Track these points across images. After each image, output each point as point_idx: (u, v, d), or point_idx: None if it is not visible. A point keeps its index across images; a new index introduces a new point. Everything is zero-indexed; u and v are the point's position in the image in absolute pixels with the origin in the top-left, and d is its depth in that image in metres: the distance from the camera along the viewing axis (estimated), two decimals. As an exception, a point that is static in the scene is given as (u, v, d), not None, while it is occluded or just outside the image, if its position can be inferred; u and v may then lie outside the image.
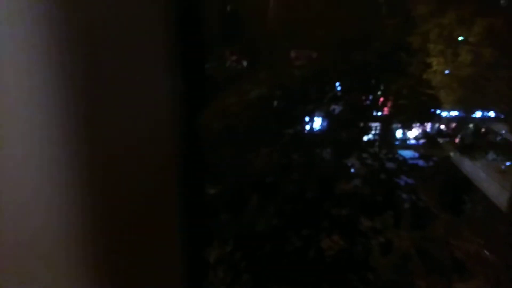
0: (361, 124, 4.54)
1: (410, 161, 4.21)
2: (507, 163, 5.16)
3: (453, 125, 5.50)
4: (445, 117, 5.58)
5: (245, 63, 5.60)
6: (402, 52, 4.28)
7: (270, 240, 4.13)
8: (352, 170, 4.47)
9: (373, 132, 4.71)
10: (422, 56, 4.89)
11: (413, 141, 4.78)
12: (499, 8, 6.19)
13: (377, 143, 4.56)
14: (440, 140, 4.39)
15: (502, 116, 5.58)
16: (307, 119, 4.78)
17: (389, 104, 4.81)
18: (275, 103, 4.98)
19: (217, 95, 4.91)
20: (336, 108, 4.55)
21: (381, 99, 4.66)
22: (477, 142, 4.84)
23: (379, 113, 4.74)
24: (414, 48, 4.81)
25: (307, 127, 4.92)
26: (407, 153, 4.58)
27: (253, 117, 4.79)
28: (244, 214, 3.97)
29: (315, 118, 4.80)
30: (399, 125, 4.84)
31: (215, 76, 5.21)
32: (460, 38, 5.76)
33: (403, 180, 4.25)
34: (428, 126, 5.19)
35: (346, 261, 4.05)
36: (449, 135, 4.66)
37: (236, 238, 3.98)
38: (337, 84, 4.58)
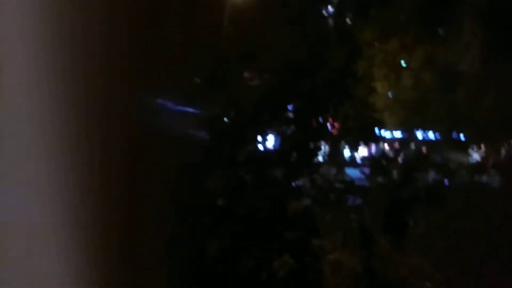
0: (311, 145, 4.67)
1: (357, 182, 4.38)
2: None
3: (397, 145, 5.83)
4: (389, 138, 5.90)
5: (198, 83, 5.59)
6: (348, 77, 4.50)
7: (222, 262, 4.10)
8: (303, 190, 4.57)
9: (322, 153, 4.86)
10: (367, 81, 5.16)
11: (359, 161, 5.00)
12: (438, 36, 6.69)
13: (326, 164, 4.71)
14: (384, 161, 4.64)
15: (441, 137, 5.99)
16: (259, 139, 4.85)
17: (337, 126, 5.00)
18: (228, 123, 5.01)
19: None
20: (288, 130, 4.66)
21: (330, 121, 4.84)
22: (419, 162, 5.15)
23: (328, 135, 4.92)
24: (360, 73, 5.07)
25: (260, 147, 4.98)
26: (354, 172, 4.77)
27: (204, 137, 4.78)
28: (195, 237, 3.92)
29: (268, 139, 4.88)
30: (346, 146, 5.05)
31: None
32: (403, 64, 6.15)
33: (351, 200, 4.40)
34: (373, 147, 5.45)
35: (298, 281, 4.11)
36: (391, 159, 4.93)
37: (187, 262, 3.91)
38: (289, 106, 4.70)
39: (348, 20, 6.02)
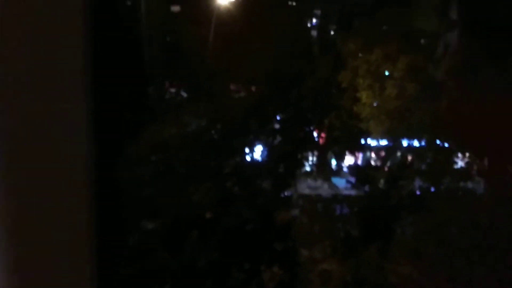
0: (299, 156, 4.71)
1: (344, 191, 4.42)
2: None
3: (382, 153, 5.90)
4: (375, 146, 5.97)
5: (185, 95, 5.62)
6: (333, 88, 4.57)
7: (211, 276, 4.08)
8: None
9: (309, 162, 4.90)
10: (352, 91, 5.24)
11: (346, 170, 5.06)
12: (420, 47, 6.82)
13: (313, 174, 4.74)
14: (369, 170, 4.70)
15: (426, 145, 6.08)
16: (246, 151, 4.87)
17: (323, 135, 5.05)
18: (215, 135, 5.02)
19: (156, 127, 4.86)
20: (274, 141, 4.69)
21: (316, 131, 4.89)
22: (404, 170, 5.21)
23: (315, 145, 4.96)
24: (345, 83, 5.16)
25: (247, 158, 5.00)
26: (341, 182, 4.81)
27: (192, 150, 4.78)
28: (183, 250, 3.90)
29: (255, 150, 4.90)
30: (333, 155, 5.10)
31: (154, 108, 5.16)
32: (386, 74, 6.25)
33: (339, 209, 4.43)
34: (360, 156, 5.51)
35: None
36: (376, 167, 4.99)
37: (176, 276, 3.88)
38: (275, 117, 4.75)
39: (331, 32, 6.12)
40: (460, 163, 6.13)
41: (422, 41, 6.79)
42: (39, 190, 0.93)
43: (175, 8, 6.29)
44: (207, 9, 5.95)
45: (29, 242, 0.94)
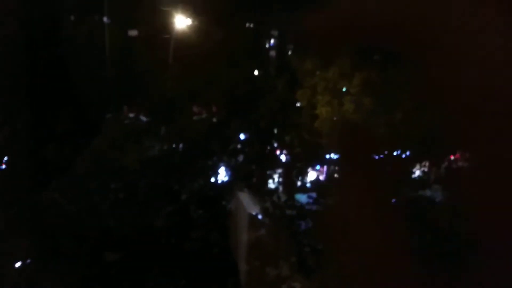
0: (262, 174, 4.75)
1: (307, 206, 4.47)
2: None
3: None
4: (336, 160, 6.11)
5: (144, 120, 5.57)
6: (292, 106, 4.68)
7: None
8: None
9: (273, 180, 4.94)
10: (310, 108, 5.38)
11: (309, 185, 5.14)
12: (373, 63, 7.12)
13: (277, 192, 4.78)
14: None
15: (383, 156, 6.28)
16: (209, 172, 4.86)
17: (285, 153, 5.13)
18: (177, 157, 4.99)
19: (115, 154, 4.78)
20: (237, 160, 4.71)
21: (278, 150, 4.96)
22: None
23: (277, 162, 5.02)
24: (304, 101, 5.29)
25: (211, 180, 4.98)
26: (303, 198, 4.86)
27: (154, 174, 4.73)
28: (147, 280, 3.80)
29: (218, 171, 4.90)
30: (296, 172, 5.18)
31: (112, 135, 5.08)
32: (344, 90, 6.48)
33: (302, 224, 4.47)
34: (323, 170, 5.63)
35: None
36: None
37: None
38: (237, 137, 4.78)
39: (289, 52, 6.29)
40: (418, 172, 6.38)
41: (376, 57, 7.10)
42: None
43: (132, 33, 6.29)
44: (164, 33, 5.99)
45: None
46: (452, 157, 5.97)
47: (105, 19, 6.07)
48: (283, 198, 4.59)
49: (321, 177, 5.37)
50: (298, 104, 5.22)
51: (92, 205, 4.04)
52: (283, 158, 5.39)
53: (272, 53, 6.38)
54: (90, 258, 3.92)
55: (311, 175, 5.30)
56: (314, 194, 4.59)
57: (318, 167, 5.51)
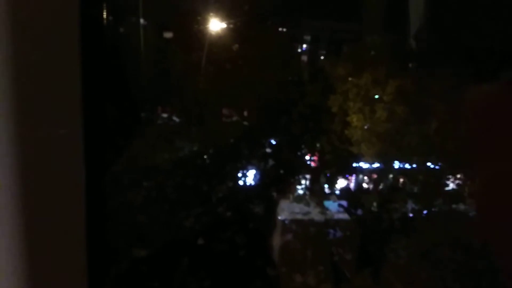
0: (291, 180, 4.73)
1: (337, 215, 4.41)
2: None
3: (374, 176, 5.95)
4: (367, 169, 6.03)
5: (177, 120, 5.66)
6: (323, 112, 4.64)
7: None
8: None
9: (302, 186, 4.91)
10: (342, 115, 5.33)
11: (338, 193, 5.08)
12: (408, 71, 6.98)
13: (306, 198, 4.75)
14: (361, 194, 4.73)
15: (417, 167, 6.15)
16: (238, 175, 4.88)
17: (315, 159, 5.09)
18: (207, 160, 5.04)
19: (148, 153, 4.87)
20: (266, 165, 4.71)
21: (308, 155, 4.93)
22: (396, 193, 5.24)
23: (307, 169, 4.99)
24: (335, 108, 5.24)
25: (240, 183, 5.00)
26: (333, 206, 4.81)
27: (184, 175, 4.79)
28: (174, 278, 3.84)
29: (247, 175, 4.91)
30: (325, 179, 5.13)
31: (146, 133, 5.18)
32: (376, 97, 6.37)
33: (331, 233, 4.41)
34: (352, 179, 5.55)
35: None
36: (369, 190, 5.03)
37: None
38: (267, 142, 4.79)
39: (321, 57, 6.25)
40: (451, 185, 6.17)
41: (411, 65, 6.95)
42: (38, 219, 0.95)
43: (168, 35, 6.40)
44: (199, 35, 6.07)
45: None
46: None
47: (141, 20, 6.21)
48: (312, 204, 4.55)
49: (351, 185, 5.30)
50: (329, 111, 5.18)
51: (124, 201, 4.13)
52: (312, 164, 5.35)
53: (305, 58, 6.36)
54: (119, 254, 4.00)
55: (341, 183, 5.24)
56: (344, 203, 4.53)
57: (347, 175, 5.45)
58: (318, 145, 4.94)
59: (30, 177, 0.91)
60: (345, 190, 5.18)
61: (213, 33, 6.07)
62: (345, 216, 4.45)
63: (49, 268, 0.98)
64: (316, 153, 5.03)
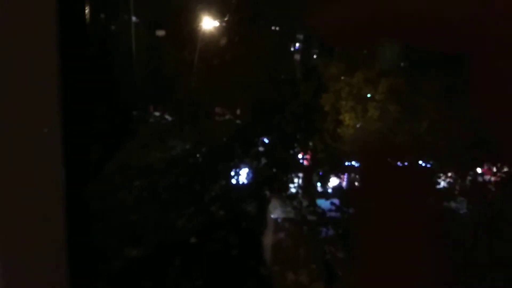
0: (283, 178, 4.73)
1: (329, 213, 4.43)
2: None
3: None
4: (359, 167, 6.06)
5: (169, 119, 5.64)
6: (315, 111, 4.66)
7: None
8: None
9: (294, 185, 4.92)
10: (334, 114, 5.36)
11: (330, 192, 5.10)
12: (400, 70, 7.02)
13: (299, 196, 4.76)
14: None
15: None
16: (231, 174, 4.88)
17: (308, 158, 5.11)
18: (199, 158, 5.03)
19: (140, 152, 4.85)
20: (259, 164, 4.71)
21: (301, 154, 4.94)
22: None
23: (299, 167, 5.01)
24: (327, 107, 5.27)
25: (232, 182, 5.00)
26: (326, 204, 4.83)
27: (177, 174, 4.77)
28: (167, 277, 3.83)
29: (240, 173, 4.91)
30: (318, 178, 5.16)
31: (138, 132, 5.16)
32: (368, 96, 6.40)
33: (324, 231, 4.43)
34: (345, 177, 5.59)
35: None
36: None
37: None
38: (260, 140, 4.79)
39: (314, 56, 6.26)
40: (442, 183, 6.23)
41: (403, 64, 6.99)
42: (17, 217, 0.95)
43: (160, 33, 6.37)
44: (191, 34, 6.04)
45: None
46: (479, 171, 5.83)
47: (133, 18, 6.17)
48: (305, 203, 4.56)
49: (343, 184, 5.32)
50: (322, 109, 5.20)
51: (116, 200, 4.10)
52: (305, 162, 5.37)
53: (297, 56, 6.37)
54: (111, 253, 3.98)
55: (333, 181, 5.26)
56: (337, 201, 4.55)
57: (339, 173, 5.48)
58: (311, 143, 4.96)
59: (10, 176, 0.90)
60: (338, 188, 5.20)
61: (205, 31, 6.05)
62: (337, 214, 4.47)
63: (29, 268, 0.97)
64: (309, 152, 5.05)
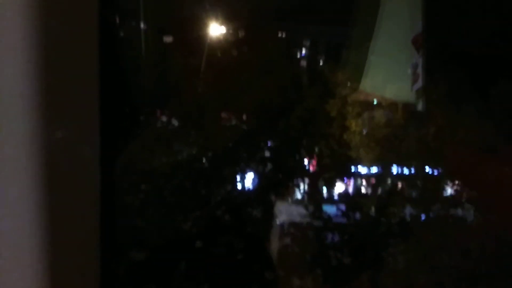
0: (289, 183, 4.73)
1: (335, 219, 4.42)
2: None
3: (373, 181, 5.96)
4: (365, 174, 6.04)
5: (176, 124, 5.66)
6: (322, 117, 4.66)
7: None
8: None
9: (300, 190, 4.92)
10: (340, 119, 5.35)
11: (336, 197, 5.08)
12: (407, 75, 7.02)
13: (304, 201, 4.75)
14: (359, 198, 4.74)
15: (416, 172, 6.16)
16: (237, 179, 4.89)
17: (313, 163, 5.10)
18: (206, 163, 5.04)
19: (146, 156, 4.87)
20: (264, 169, 4.72)
21: (307, 159, 4.94)
22: (394, 198, 5.25)
23: (305, 172, 5.00)
24: (334, 112, 5.27)
25: (238, 186, 5.00)
26: (331, 209, 4.81)
27: (183, 178, 4.79)
28: (172, 281, 3.83)
29: (245, 178, 4.92)
30: (323, 183, 5.14)
31: (146, 137, 5.19)
32: (375, 102, 6.40)
33: (329, 237, 4.41)
34: (351, 183, 5.56)
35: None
36: (366, 195, 5.04)
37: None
38: (265, 145, 4.80)
39: (320, 62, 6.29)
40: (449, 190, 6.18)
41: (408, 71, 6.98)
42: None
43: (168, 39, 6.43)
44: (198, 40, 6.09)
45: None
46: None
47: (141, 24, 6.24)
48: (311, 208, 4.55)
49: (349, 189, 5.31)
50: (328, 115, 5.20)
51: (122, 204, 4.12)
52: (311, 168, 5.36)
53: (303, 63, 6.39)
54: (117, 257, 3.98)
55: (339, 187, 5.25)
56: (343, 207, 4.54)
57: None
58: (316, 149, 4.96)
59: (48, 178, 0.93)
60: (344, 194, 5.18)
61: (212, 37, 6.10)
62: (343, 220, 4.45)
63: (64, 267, 0.99)
64: (315, 157, 5.05)
